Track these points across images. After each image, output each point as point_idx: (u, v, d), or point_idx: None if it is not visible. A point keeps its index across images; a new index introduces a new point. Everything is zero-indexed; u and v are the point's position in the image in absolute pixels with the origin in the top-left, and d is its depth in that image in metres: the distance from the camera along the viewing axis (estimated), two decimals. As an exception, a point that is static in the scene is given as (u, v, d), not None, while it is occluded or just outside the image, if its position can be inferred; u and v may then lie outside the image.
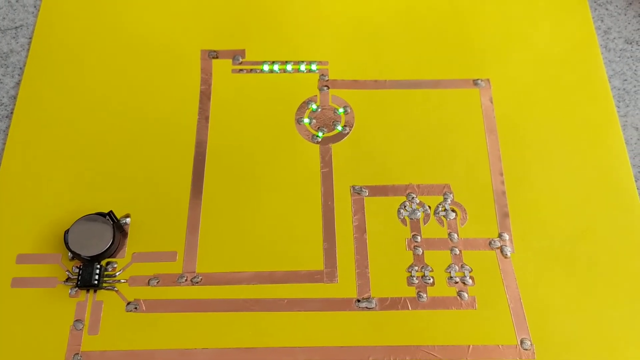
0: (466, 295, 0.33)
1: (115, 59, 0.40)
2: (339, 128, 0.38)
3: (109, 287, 0.33)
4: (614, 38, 0.41)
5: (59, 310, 0.33)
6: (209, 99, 0.39)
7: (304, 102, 0.39)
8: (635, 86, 0.40)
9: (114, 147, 0.37)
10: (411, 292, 0.33)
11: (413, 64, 0.40)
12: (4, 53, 0.41)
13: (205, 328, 0.32)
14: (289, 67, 0.40)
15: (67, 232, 0.33)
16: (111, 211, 0.34)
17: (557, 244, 0.35)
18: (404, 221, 0.35)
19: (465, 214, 0.35)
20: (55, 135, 0.37)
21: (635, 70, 0.40)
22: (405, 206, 0.36)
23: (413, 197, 0.36)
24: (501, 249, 0.34)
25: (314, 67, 0.40)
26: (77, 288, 0.33)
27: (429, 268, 0.34)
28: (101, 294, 0.33)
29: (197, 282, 0.33)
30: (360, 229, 0.35)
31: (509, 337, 0.32)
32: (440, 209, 0.36)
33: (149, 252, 0.34)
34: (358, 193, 0.36)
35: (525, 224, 0.35)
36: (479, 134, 0.38)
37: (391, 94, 0.39)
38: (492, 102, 0.39)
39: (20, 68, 0.40)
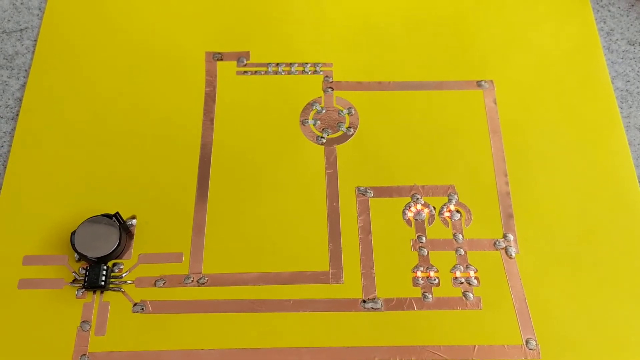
0: (471, 295, 0.33)
1: (120, 61, 0.40)
2: (344, 129, 0.38)
3: (116, 289, 0.33)
4: (617, 39, 0.42)
5: (66, 312, 0.33)
6: (213, 101, 0.39)
7: (308, 104, 0.39)
8: (638, 87, 0.40)
9: (120, 149, 0.37)
10: (416, 292, 0.34)
11: (417, 66, 0.40)
12: (9, 55, 0.41)
13: (212, 329, 0.33)
14: (294, 68, 0.40)
15: (73, 233, 0.33)
16: (117, 212, 0.34)
17: (562, 245, 0.35)
18: (409, 222, 0.35)
19: (470, 214, 0.36)
20: (61, 137, 0.37)
21: (638, 71, 0.40)
22: (410, 207, 0.36)
23: (418, 198, 0.36)
24: (506, 250, 0.35)
25: (318, 68, 0.40)
26: (83, 289, 0.33)
27: (434, 268, 0.34)
28: (108, 295, 0.33)
29: (204, 283, 0.34)
30: (366, 230, 0.35)
31: (514, 337, 0.32)
32: (445, 209, 0.36)
33: (155, 253, 0.34)
34: (363, 194, 0.36)
35: (530, 224, 0.35)
36: (483, 135, 0.38)
37: (395, 95, 0.39)
38: (495, 104, 0.39)
39: (26, 70, 0.40)
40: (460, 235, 0.35)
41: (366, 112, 0.39)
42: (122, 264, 0.34)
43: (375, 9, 0.42)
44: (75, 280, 0.33)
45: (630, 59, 0.41)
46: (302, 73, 0.40)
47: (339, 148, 0.38)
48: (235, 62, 0.40)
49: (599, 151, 0.38)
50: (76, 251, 0.33)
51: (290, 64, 0.40)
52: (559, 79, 0.40)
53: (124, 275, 0.34)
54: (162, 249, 0.34)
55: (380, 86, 0.39)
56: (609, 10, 0.43)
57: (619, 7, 0.43)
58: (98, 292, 0.33)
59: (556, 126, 0.38)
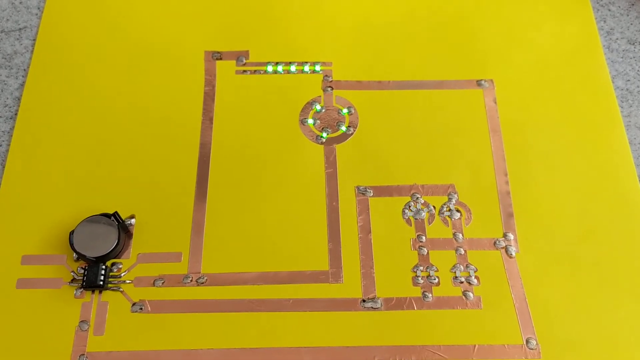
0: (471, 295, 0.33)
1: (119, 60, 0.40)
2: (343, 129, 0.38)
3: (114, 288, 0.33)
4: (617, 39, 0.42)
5: (65, 311, 0.33)
6: (213, 100, 0.39)
7: (308, 103, 0.39)
8: (638, 86, 0.40)
9: (119, 148, 0.37)
10: (416, 292, 0.33)
11: (417, 65, 0.40)
12: (8, 54, 0.41)
13: (211, 328, 0.32)
14: (293, 67, 0.40)
15: (72, 233, 0.33)
16: (116, 212, 0.34)
17: (562, 244, 0.35)
18: (408, 221, 0.35)
19: (470, 214, 0.35)
20: (59, 137, 0.37)
21: (639, 70, 0.40)
22: (409, 206, 0.36)
23: (417, 198, 0.36)
24: (506, 249, 0.34)
25: (317, 67, 0.40)
26: (82, 289, 0.33)
27: (434, 268, 0.34)
28: (106, 294, 0.33)
29: (202, 283, 0.33)
30: (365, 229, 0.35)
31: (514, 337, 0.32)
32: (444, 209, 0.36)
33: (154, 252, 0.34)
34: (363, 193, 0.36)
35: (530, 223, 0.35)
36: (483, 134, 0.38)
37: (395, 94, 0.39)
38: (495, 103, 0.39)
39: (24, 69, 0.40)
40: (460, 235, 0.35)
41: (366, 112, 0.39)
42: (121, 263, 0.34)
43: (375, 8, 0.42)
44: (73, 280, 0.33)
45: (631, 58, 0.41)
46: (302, 72, 0.40)
47: (338, 147, 0.37)
48: (234, 62, 0.40)
49: (600, 150, 0.37)
50: (75, 251, 0.33)
51: (290, 63, 0.40)
52: (559, 78, 0.40)
53: (122, 274, 0.34)
54: (161, 248, 0.34)
55: (380, 85, 0.39)
56: (609, 10, 0.43)
57: (619, 7, 0.43)
58: (97, 292, 0.33)
59: (556, 125, 0.38)
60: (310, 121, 0.38)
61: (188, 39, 0.41)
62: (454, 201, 0.36)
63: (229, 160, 0.37)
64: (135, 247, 0.34)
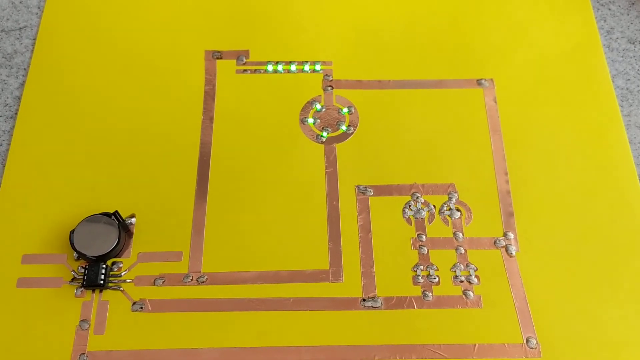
0: (472, 294, 0.33)
1: (119, 59, 0.40)
2: (344, 128, 0.38)
3: (115, 287, 0.33)
4: (617, 38, 0.42)
5: (65, 310, 0.33)
6: (213, 99, 0.39)
7: (308, 102, 0.39)
8: (638, 85, 0.40)
9: (119, 148, 0.37)
10: (417, 291, 0.33)
11: (417, 64, 0.40)
12: (8, 54, 0.41)
13: (211, 327, 0.32)
14: (293, 67, 0.40)
15: (72, 232, 0.33)
16: (116, 211, 0.34)
17: (562, 243, 0.35)
18: (409, 220, 0.35)
19: (470, 213, 0.35)
20: (59, 136, 0.37)
21: (639, 69, 0.40)
22: (410, 205, 0.36)
23: (418, 197, 0.36)
24: (506, 248, 0.34)
25: (317, 67, 0.40)
26: (82, 288, 0.33)
27: (434, 267, 0.34)
28: (107, 293, 0.33)
29: (203, 282, 0.33)
30: (365, 229, 0.35)
31: (514, 336, 0.32)
32: (445, 208, 0.36)
33: (155, 252, 0.34)
34: (363, 193, 0.36)
35: (530, 223, 0.35)
36: (483, 133, 0.38)
37: (395, 93, 0.39)
38: (495, 102, 0.39)
39: (25, 69, 0.40)
40: (461, 234, 0.35)
41: (366, 111, 0.39)
42: (121, 262, 0.34)
43: (375, 7, 0.42)
44: (74, 279, 0.33)
45: (631, 58, 0.41)
46: (302, 72, 0.40)
47: (338, 147, 0.37)
48: (234, 61, 0.40)
49: (600, 150, 0.37)
50: (75, 250, 0.33)
51: (290, 62, 0.40)
52: (559, 78, 0.40)
53: (123, 273, 0.34)
54: (162, 247, 0.34)
55: (380, 85, 0.39)
56: (609, 9, 0.43)
57: (619, 6, 0.43)
58: (97, 291, 0.33)
59: (556, 125, 0.38)
60: (310, 120, 0.38)
61: (188, 38, 0.41)
62: (454, 200, 0.36)
63: (229, 160, 0.37)
64: (136, 246, 0.34)
